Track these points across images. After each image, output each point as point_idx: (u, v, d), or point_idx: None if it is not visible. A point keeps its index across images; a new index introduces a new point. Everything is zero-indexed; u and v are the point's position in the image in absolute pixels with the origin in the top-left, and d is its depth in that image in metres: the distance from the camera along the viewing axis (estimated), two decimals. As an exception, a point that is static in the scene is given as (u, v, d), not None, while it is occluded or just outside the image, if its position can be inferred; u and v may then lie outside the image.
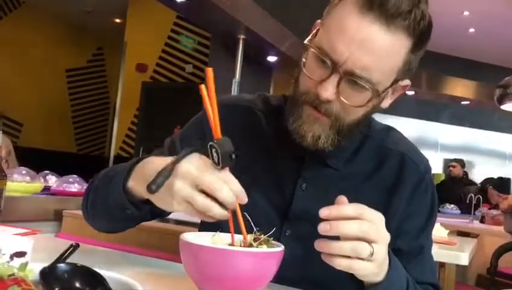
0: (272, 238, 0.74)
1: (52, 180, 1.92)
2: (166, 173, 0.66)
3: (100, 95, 8.21)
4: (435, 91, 6.75)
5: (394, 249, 0.88)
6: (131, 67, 6.17)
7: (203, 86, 0.68)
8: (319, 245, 0.69)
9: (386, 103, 0.88)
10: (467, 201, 4.34)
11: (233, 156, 0.67)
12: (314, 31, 0.83)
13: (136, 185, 0.77)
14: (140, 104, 6.20)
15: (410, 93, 6.49)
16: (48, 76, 7.27)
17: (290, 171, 0.91)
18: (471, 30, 6.57)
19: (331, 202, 0.84)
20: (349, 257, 0.68)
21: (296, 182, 0.90)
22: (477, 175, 6.95)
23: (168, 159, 0.69)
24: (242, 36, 3.96)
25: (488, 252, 2.88)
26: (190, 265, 0.72)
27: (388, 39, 0.76)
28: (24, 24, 6.90)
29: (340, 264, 0.68)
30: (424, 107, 7.13)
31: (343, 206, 0.68)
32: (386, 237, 0.71)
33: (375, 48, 0.76)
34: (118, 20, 7.17)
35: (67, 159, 7.01)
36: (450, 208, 4.99)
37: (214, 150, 0.67)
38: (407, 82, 0.86)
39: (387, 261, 0.75)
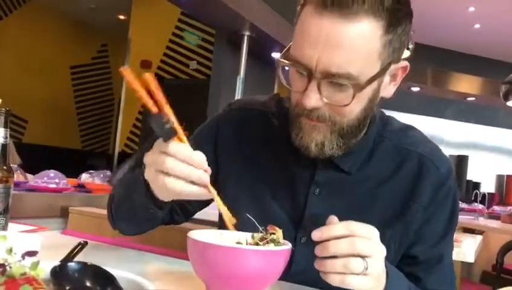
0: (279, 239, 0.74)
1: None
2: (124, 166, 0.68)
3: (104, 92, 8.21)
4: (440, 87, 6.71)
5: (411, 257, 0.88)
6: (135, 63, 6.17)
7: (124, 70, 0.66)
8: (316, 264, 0.70)
9: (389, 91, 0.85)
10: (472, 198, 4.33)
11: (168, 125, 0.67)
12: (287, 47, 0.82)
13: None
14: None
15: (415, 89, 6.46)
16: (52, 73, 7.28)
17: (303, 176, 0.90)
18: (477, 26, 6.53)
19: (345, 207, 0.85)
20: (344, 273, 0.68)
21: (309, 187, 0.89)
22: (482, 172, 6.92)
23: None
24: (246, 32, 3.95)
25: (493, 249, 2.88)
26: (198, 263, 0.72)
27: (352, 29, 0.73)
28: (29, 22, 6.91)
29: (334, 280, 0.68)
30: (429, 104, 7.10)
31: (334, 226, 0.69)
32: (381, 250, 0.71)
33: (341, 42, 0.73)
34: (122, 17, 7.17)
35: (72, 155, 7.04)
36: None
37: (153, 127, 0.67)
38: (404, 63, 0.83)
39: (385, 275, 0.74)
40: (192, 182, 0.70)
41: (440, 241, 0.90)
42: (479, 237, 2.59)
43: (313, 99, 0.77)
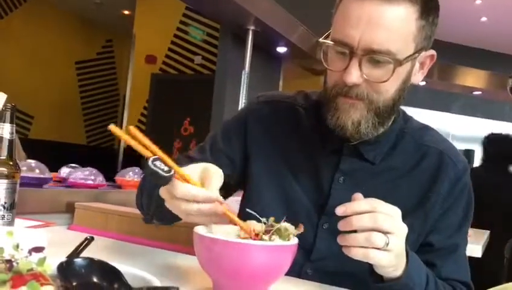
0: (283, 225, 0.73)
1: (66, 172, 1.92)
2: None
3: (110, 87, 8.23)
4: (447, 81, 6.68)
5: (427, 244, 0.92)
6: (140, 59, 6.17)
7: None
8: (338, 239, 0.72)
9: (417, 78, 0.91)
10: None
11: (164, 170, 0.68)
12: (326, 33, 0.88)
13: None
14: (149, 96, 6.20)
15: (422, 83, 6.41)
16: (57, 69, 7.30)
17: (328, 165, 0.94)
18: (483, 19, 6.47)
19: (368, 196, 0.86)
20: (366, 247, 0.70)
21: (333, 175, 0.93)
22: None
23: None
24: (251, 27, 3.93)
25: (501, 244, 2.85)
26: (204, 258, 0.72)
27: (392, 11, 0.80)
28: (33, 17, 6.91)
29: (357, 253, 0.71)
30: (435, 98, 7.06)
31: (358, 202, 0.73)
32: (403, 228, 0.74)
33: (382, 21, 0.80)
34: (126, 12, 7.16)
35: (78, 151, 7.06)
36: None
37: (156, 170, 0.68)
38: (431, 52, 0.89)
39: (405, 255, 0.76)
40: None
41: (455, 233, 0.93)
42: (486, 232, 2.58)
43: (354, 75, 0.82)
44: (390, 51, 0.81)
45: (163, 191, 0.74)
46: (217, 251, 0.68)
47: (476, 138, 3.88)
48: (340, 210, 0.71)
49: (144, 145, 0.69)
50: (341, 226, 0.72)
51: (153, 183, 0.84)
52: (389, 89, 0.86)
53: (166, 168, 0.68)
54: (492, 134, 3.24)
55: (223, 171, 0.76)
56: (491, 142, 3.17)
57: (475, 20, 6.52)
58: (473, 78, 6.73)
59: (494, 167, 3.04)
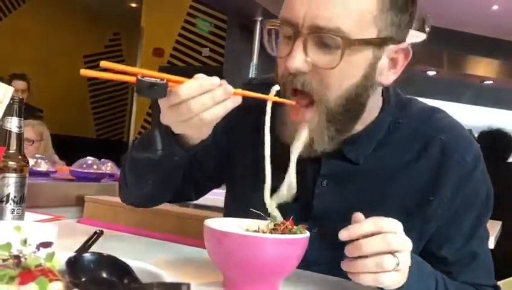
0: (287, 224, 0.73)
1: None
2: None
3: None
4: (457, 71, 6.60)
5: (440, 258, 0.82)
6: (148, 52, 6.17)
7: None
8: (344, 265, 0.68)
9: (387, 78, 0.76)
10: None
11: (155, 82, 0.66)
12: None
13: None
14: (157, 89, 6.21)
15: (432, 73, 6.36)
16: (66, 62, 7.32)
17: (311, 167, 0.84)
18: (495, 7, 6.37)
19: (356, 199, 0.80)
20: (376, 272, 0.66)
21: (316, 179, 0.83)
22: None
23: None
24: (259, 18, 3.91)
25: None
26: (215, 252, 0.71)
27: None
28: (41, 12, 6.93)
29: (367, 280, 0.66)
30: (445, 88, 6.98)
31: (362, 224, 0.67)
32: (408, 243, 0.68)
33: None
34: (134, 5, 7.16)
35: (87, 144, 7.10)
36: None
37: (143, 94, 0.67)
38: (404, 45, 0.75)
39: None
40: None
41: (471, 238, 0.82)
42: (499, 223, 2.54)
43: (297, 59, 0.70)
44: (340, 29, 0.68)
45: (164, 115, 0.70)
46: (228, 245, 0.67)
47: (487, 128, 3.84)
48: (344, 235, 0.66)
49: (124, 72, 0.66)
50: (349, 252, 0.66)
51: (145, 155, 0.79)
52: (342, 83, 0.72)
53: (158, 80, 0.67)
54: (482, 132, 3.55)
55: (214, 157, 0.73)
56: (485, 139, 3.34)
57: (486, 9, 6.41)
58: (484, 68, 6.65)
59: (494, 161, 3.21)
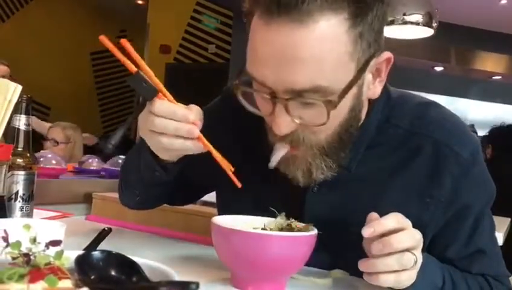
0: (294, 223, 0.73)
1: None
2: (119, 129, 0.74)
3: (125, 77, 8.24)
4: (465, 66, 6.55)
5: (446, 259, 0.80)
6: (154, 48, 6.18)
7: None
8: (362, 265, 0.65)
9: (374, 91, 0.73)
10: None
11: (148, 84, 0.69)
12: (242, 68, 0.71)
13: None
14: (164, 85, 6.22)
15: (439, 69, 6.32)
16: (73, 60, 7.35)
17: None
18: (503, 2, 6.31)
19: (349, 205, 0.79)
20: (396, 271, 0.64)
21: (307, 186, 0.79)
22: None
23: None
24: (265, 14, 3.90)
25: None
26: (223, 249, 0.71)
27: (308, 33, 0.61)
28: (48, 9, 6.96)
29: (388, 280, 0.64)
30: (453, 83, 6.93)
31: (385, 221, 0.64)
32: (421, 239, 0.67)
33: (298, 52, 0.61)
34: (140, 2, 7.16)
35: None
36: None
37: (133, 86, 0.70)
38: (386, 55, 0.70)
39: None
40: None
41: (473, 237, 0.80)
42: (507, 220, 2.53)
43: (283, 125, 0.66)
44: (320, 87, 0.63)
45: (142, 114, 0.72)
46: (236, 242, 0.67)
47: (495, 124, 3.81)
48: (367, 231, 0.63)
49: (133, 60, 0.68)
50: (377, 249, 0.63)
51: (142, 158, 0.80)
52: (332, 125, 0.69)
53: (148, 83, 0.69)
54: (495, 128, 3.50)
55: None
56: (498, 135, 3.34)
57: (494, 4, 6.35)
58: (492, 63, 6.60)
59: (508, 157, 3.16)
